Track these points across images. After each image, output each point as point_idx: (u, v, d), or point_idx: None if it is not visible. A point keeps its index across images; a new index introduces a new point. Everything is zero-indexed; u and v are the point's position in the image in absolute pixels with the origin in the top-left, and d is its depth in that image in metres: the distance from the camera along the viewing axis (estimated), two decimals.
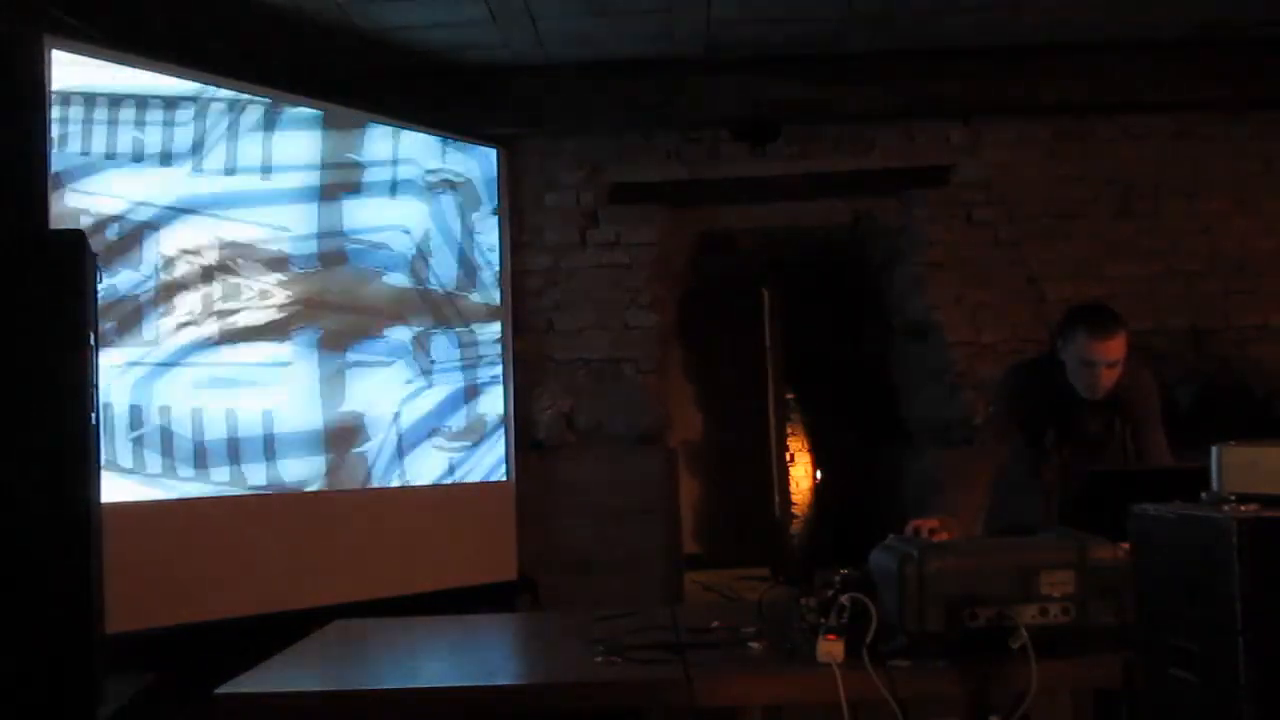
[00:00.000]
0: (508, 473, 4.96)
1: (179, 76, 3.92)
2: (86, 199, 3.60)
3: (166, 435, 3.77)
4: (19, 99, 3.48)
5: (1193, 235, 5.21)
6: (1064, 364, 2.99)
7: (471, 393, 4.85)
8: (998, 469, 3.09)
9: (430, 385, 4.68)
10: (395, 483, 4.52)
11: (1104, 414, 3.05)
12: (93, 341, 2.22)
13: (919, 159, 5.22)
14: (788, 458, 7.64)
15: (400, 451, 4.55)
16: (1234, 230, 5.21)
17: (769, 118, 5.12)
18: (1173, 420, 3.11)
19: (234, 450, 3.99)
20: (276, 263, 4.17)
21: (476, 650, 2.61)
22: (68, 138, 3.56)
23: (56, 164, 3.50)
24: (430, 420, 4.67)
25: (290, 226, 4.23)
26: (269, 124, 4.20)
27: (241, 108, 4.11)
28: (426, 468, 4.65)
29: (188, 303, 3.88)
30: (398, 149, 4.65)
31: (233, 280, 4.02)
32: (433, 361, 4.70)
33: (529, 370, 5.15)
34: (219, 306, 3.97)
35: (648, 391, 5.21)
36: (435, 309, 4.73)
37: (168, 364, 3.79)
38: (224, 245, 4.01)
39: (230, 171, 4.06)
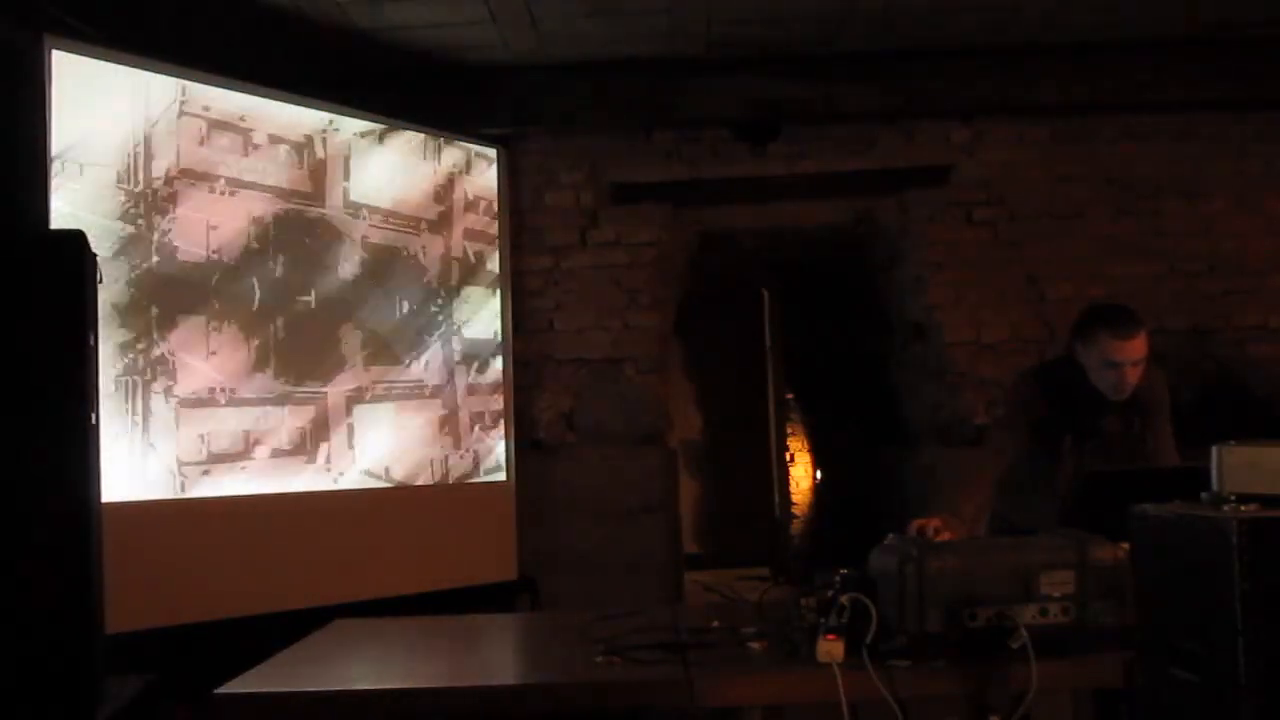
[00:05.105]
0: (508, 473, 4.96)
1: (178, 77, 3.92)
2: None
3: None
4: (19, 99, 3.48)
5: (1193, 235, 5.21)
6: (1082, 366, 2.98)
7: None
8: (1004, 470, 3.07)
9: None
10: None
11: (1123, 414, 3.03)
12: (93, 341, 2.22)
13: (919, 159, 5.21)
14: (788, 458, 7.64)
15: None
16: (1234, 230, 5.21)
17: (769, 118, 5.12)
18: (1174, 420, 3.11)
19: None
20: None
21: (476, 650, 2.61)
22: None
23: None
24: None
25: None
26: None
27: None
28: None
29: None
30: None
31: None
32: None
33: (529, 370, 5.15)
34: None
35: (648, 391, 5.21)
36: None
37: None
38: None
39: None
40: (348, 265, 4.45)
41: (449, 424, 4.77)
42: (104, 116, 3.69)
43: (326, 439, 4.32)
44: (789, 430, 7.68)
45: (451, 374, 4.80)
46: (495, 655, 2.63)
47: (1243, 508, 1.66)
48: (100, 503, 2.23)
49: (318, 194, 4.37)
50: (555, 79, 4.96)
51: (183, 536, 3.76)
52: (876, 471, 6.23)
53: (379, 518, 4.40)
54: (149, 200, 3.81)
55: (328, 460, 4.32)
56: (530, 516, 4.98)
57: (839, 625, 2.02)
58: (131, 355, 3.73)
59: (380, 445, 4.51)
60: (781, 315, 7.39)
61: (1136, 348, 2.91)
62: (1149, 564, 1.83)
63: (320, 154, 4.39)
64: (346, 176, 4.47)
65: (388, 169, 4.62)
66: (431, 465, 4.69)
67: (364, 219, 4.52)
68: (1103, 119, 5.21)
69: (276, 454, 4.15)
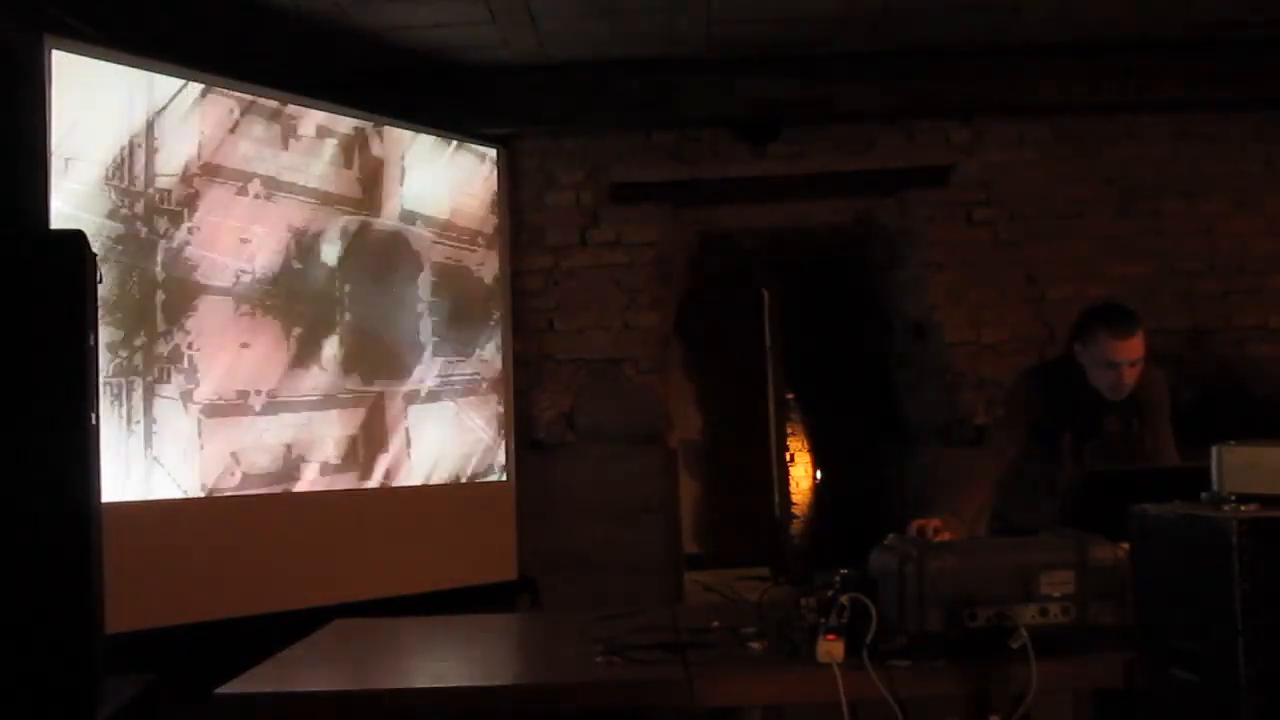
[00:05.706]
0: (508, 473, 4.96)
1: (178, 76, 3.92)
2: None
3: None
4: (19, 99, 3.47)
5: (1193, 235, 5.21)
6: (1082, 366, 2.98)
7: None
8: (1004, 470, 3.07)
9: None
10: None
11: (1123, 413, 3.04)
12: (93, 341, 2.21)
13: (919, 159, 5.21)
14: (788, 458, 7.64)
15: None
16: (1234, 230, 5.21)
17: (769, 118, 5.12)
18: (1173, 420, 3.11)
19: None
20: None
21: (476, 650, 2.61)
22: None
23: None
24: None
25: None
26: None
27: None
28: None
29: None
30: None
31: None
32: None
33: (529, 370, 5.15)
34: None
35: (648, 391, 5.21)
36: None
37: None
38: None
39: None
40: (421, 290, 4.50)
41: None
42: (104, 111, 3.68)
43: (385, 449, 4.40)
44: (789, 430, 7.68)
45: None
46: (495, 655, 2.63)
47: (1243, 508, 1.67)
48: (100, 502, 2.23)
49: (371, 201, 4.37)
50: (555, 79, 4.96)
51: (183, 536, 3.76)
52: (876, 471, 6.23)
53: (378, 517, 4.40)
54: (152, 201, 3.79)
55: (385, 476, 4.40)
56: (530, 516, 4.98)
57: (839, 625, 2.02)
58: (125, 353, 3.69)
59: (439, 449, 4.57)
60: (782, 315, 7.39)
61: (1135, 348, 2.92)
62: (1149, 564, 1.83)
63: (377, 152, 4.38)
64: (401, 180, 4.46)
65: (444, 175, 4.61)
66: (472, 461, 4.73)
67: (420, 228, 4.53)
68: (1103, 119, 5.21)
69: (325, 470, 4.20)
